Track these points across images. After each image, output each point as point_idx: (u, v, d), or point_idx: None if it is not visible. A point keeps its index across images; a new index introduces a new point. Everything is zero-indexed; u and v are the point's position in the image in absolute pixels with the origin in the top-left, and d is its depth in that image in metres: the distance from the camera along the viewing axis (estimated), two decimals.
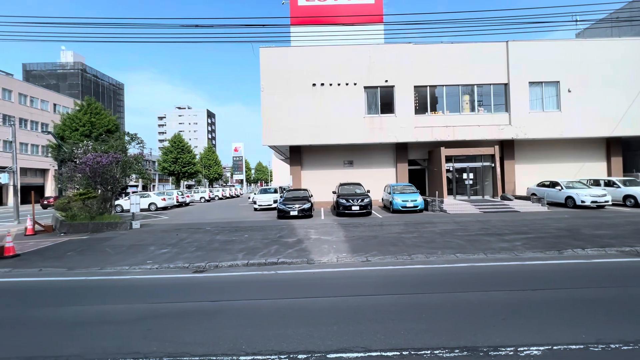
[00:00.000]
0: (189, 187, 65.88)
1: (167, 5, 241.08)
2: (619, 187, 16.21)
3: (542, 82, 19.00)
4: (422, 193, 18.23)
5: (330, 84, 18.72)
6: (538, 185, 18.39)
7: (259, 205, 20.01)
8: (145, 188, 60.77)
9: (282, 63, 18.85)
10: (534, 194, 17.87)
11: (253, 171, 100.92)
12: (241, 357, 3.39)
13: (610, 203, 15.39)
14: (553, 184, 17.22)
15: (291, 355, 3.39)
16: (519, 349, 3.37)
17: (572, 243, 8.50)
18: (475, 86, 19.25)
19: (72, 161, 15.69)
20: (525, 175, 20.20)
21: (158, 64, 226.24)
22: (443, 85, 19.16)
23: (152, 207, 22.68)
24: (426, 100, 19.38)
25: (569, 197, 15.94)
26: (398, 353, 3.37)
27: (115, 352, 3.60)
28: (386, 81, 18.76)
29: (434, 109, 19.42)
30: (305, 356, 3.37)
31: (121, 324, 4.44)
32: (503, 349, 3.38)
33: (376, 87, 19.00)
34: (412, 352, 3.38)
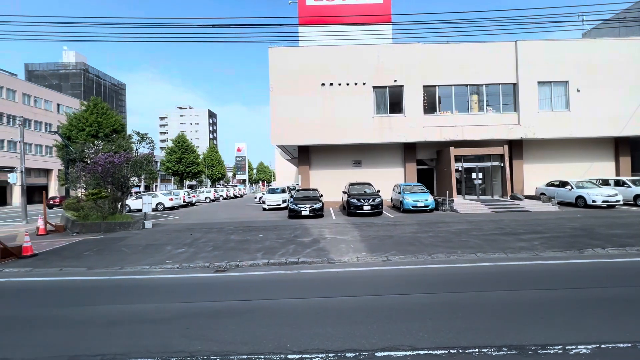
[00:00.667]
0: (190, 187, 65.87)
1: (169, 5, 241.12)
2: (629, 186, 16.19)
3: (551, 82, 18.99)
4: (430, 193, 18.21)
5: (339, 84, 18.73)
6: (547, 184, 18.38)
7: (267, 205, 20.00)
8: (147, 188, 60.76)
9: (291, 63, 18.86)
10: (543, 194, 17.87)
11: (255, 171, 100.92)
12: (289, 356, 3.39)
13: (621, 202, 15.37)
14: (563, 184, 17.21)
15: (339, 354, 3.38)
16: (567, 347, 3.36)
17: (591, 242, 8.49)
18: (484, 86, 19.25)
19: (82, 161, 15.68)
20: (533, 175, 20.20)
21: (158, 65, 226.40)
22: (452, 85, 19.15)
23: (160, 207, 22.68)
24: (435, 100, 19.39)
25: (579, 197, 15.92)
26: (446, 351, 3.37)
27: (160, 351, 3.60)
28: (395, 81, 18.76)
29: (442, 109, 19.42)
30: (353, 354, 3.36)
31: (156, 323, 4.43)
32: (551, 348, 3.37)
33: (385, 87, 19.00)
34: (460, 351, 3.37)
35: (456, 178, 18.36)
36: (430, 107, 19.43)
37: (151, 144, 16.55)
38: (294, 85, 18.75)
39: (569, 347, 3.36)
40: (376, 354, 3.36)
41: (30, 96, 44.94)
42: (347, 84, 18.76)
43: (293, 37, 21.20)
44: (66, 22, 15.45)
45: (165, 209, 23.20)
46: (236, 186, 53.47)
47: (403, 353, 3.36)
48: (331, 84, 18.76)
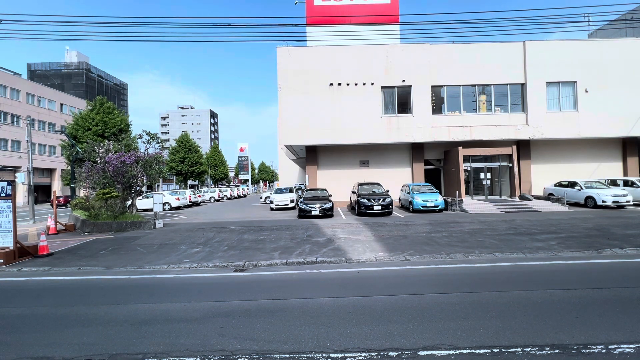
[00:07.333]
0: (192, 187, 65.84)
1: (168, 4, 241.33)
2: (638, 187, 16.18)
3: (559, 82, 18.99)
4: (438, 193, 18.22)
5: (348, 84, 18.73)
6: (555, 185, 18.37)
7: (275, 205, 20.01)
8: (150, 188, 60.74)
9: (299, 63, 18.86)
10: (551, 194, 17.86)
11: (257, 171, 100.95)
12: (332, 355, 3.39)
13: (631, 203, 15.36)
14: (572, 184, 17.20)
15: (381, 353, 3.38)
16: (609, 347, 3.36)
17: (608, 242, 8.50)
18: (492, 86, 19.24)
19: (91, 160, 15.68)
20: (540, 175, 20.20)
21: (160, 66, 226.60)
22: (460, 85, 19.15)
23: (167, 207, 22.66)
24: (443, 100, 19.40)
25: (589, 197, 15.91)
26: (489, 350, 3.37)
27: (201, 350, 3.60)
28: (403, 81, 18.76)
29: (450, 109, 19.42)
30: (396, 353, 3.36)
31: (189, 322, 4.43)
32: (593, 347, 3.37)
33: (393, 87, 19.01)
34: (503, 350, 3.37)
35: (464, 178, 18.35)
36: (438, 107, 19.44)
37: (161, 144, 16.56)
38: (302, 85, 18.76)
39: (612, 347, 3.36)
40: (419, 353, 3.36)
41: (34, 96, 44.97)
42: (355, 84, 18.76)
43: (300, 37, 21.22)
44: (68, 22, 15.45)
45: (172, 208, 23.20)
46: (237, 186, 53.47)
47: (446, 352, 3.36)
48: (339, 84, 18.77)
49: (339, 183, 20.08)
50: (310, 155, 20.39)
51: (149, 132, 16.24)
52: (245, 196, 47.06)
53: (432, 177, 21.11)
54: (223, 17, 14.59)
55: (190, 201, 25.89)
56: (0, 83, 40.29)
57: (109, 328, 4.31)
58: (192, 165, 49.77)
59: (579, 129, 18.84)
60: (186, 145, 49.68)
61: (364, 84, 18.75)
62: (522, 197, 17.48)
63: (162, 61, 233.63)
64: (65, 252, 9.51)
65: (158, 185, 63.84)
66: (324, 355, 3.39)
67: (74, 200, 18.03)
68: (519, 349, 3.37)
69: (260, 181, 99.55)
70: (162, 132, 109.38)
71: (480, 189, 18.95)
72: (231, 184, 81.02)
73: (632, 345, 3.38)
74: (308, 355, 3.40)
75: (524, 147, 19.95)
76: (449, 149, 19.97)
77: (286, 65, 18.81)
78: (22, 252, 8.71)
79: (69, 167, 25.91)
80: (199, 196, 29.00)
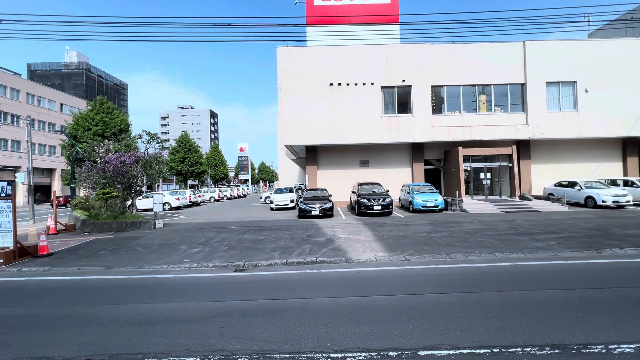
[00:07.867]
0: (192, 187, 65.80)
1: (169, 4, 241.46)
2: (638, 187, 16.19)
3: (559, 82, 18.99)
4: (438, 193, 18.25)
5: (347, 84, 18.73)
6: (555, 185, 18.38)
7: (275, 205, 20.02)
8: (150, 188, 60.71)
9: (299, 63, 18.86)
10: (551, 194, 17.86)
11: (257, 171, 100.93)
12: (332, 355, 3.39)
13: (631, 203, 15.36)
14: (572, 184, 17.20)
15: (381, 353, 3.38)
16: (609, 347, 3.36)
17: (608, 242, 8.50)
18: (492, 86, 19.24)
19: (91, 160, 15.68)
20: (540, 175, 20.20)
21: (160, 66, 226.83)
22: (460, 85, 19.15)
23: (167, 207, 22.65)
24: (443, 100, 19.40)
25: (589, 197, 15.92)
26: (489, 350, 3.37)
27: (201, 350, 3.60)
28: (403, 81, 18.76)
29: (450, 109, 19.42)
30: (396, 353, 3.36)
31: (189, 322, 4.43)
32: (593, 347, 3.37)
33: (393, 87, 19.01)
34: (503, 350, 3.37)
35: (464, 178, 18.36)
36: (438, 107, 19.44)
37: (161, 144, 16.55)
38: (302, 85, 18.76)
39: (612, 347, 3.36)
40: (419, 353, 3.36)
41: (34, 96, 44.95)
42: (355, 84, 18.76)
43: (300, 37, 21.24)
44: (68, 22, 15.46)
45: (172, 208, 23.20)
46: (238, 186, 53.43)
47: (446, 352, 3.36)
48: (339, 84, 18.77)
49: (339, 183, 20.09)
50: (310, 155, 20.40)
51: (149, 132, 16.23)
52: (245, 196, 47.06)
53: (432, 177, 21.11)
54: (223, 17, 14.67)
55: (190, 201, 25.89)
56: (0, 83, 40.28)
57: (109, 328, 4.31)
58: (192, 165, 49.78)
59: (579, 129, 18.84)
60: (186, 145, 49.68)
61: (364, 84, 18.75)
62: (522, 197, 17.49)
63: (162, 61, 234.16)
64: (65, 252, 9.51)
65: (158, 185, 63.82)
66: (324, 355, 3.39)
67: (74, 200, 18.02)
68: (519, 349, 3.37)
69: (260, 181, 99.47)
70: (162, 132, 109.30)
71: (480, 189, 18.96)
72: (231, 184, 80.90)
73: (632, 345, 3.38)
74: (308, 355, 3.41)
75: (524, 147, 19.95)
76: (449, 149, 19.98)
77: (286, 65, 18.81)
78: (22, 252, 8.71)
79: (69, 167, 25.92)
80: (199, 196, 29.00)
